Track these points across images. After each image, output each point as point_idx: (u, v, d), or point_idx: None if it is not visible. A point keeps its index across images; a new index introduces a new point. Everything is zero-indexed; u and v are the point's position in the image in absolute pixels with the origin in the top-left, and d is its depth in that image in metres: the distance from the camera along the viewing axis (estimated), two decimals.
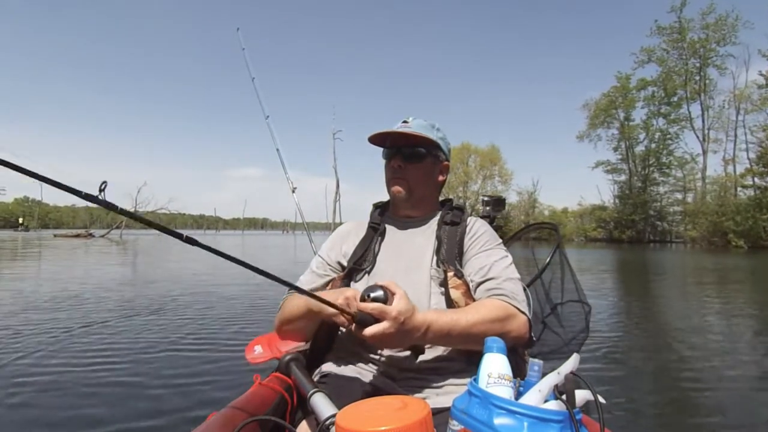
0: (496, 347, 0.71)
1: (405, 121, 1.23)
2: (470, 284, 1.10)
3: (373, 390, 1.02)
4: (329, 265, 1.24)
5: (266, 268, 0.75)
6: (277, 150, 2.62)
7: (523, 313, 1.03)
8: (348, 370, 1.09)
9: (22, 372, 2.90)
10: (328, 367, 1.13)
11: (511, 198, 49.18)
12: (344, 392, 0.98)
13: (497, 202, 1.84)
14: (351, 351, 1.13)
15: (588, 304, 1.49)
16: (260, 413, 0.97)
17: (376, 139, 1.23)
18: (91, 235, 37.47)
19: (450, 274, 1.11)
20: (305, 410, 0.99)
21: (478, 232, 1.20)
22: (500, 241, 1.22)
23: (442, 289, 1.09)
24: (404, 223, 1.25)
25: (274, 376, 1.13)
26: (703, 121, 40.94)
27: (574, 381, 0.63)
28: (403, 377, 1.03)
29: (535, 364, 0.67)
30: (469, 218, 1.25)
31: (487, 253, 1.14)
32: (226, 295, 6.35)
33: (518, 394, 0.67)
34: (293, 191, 2.61)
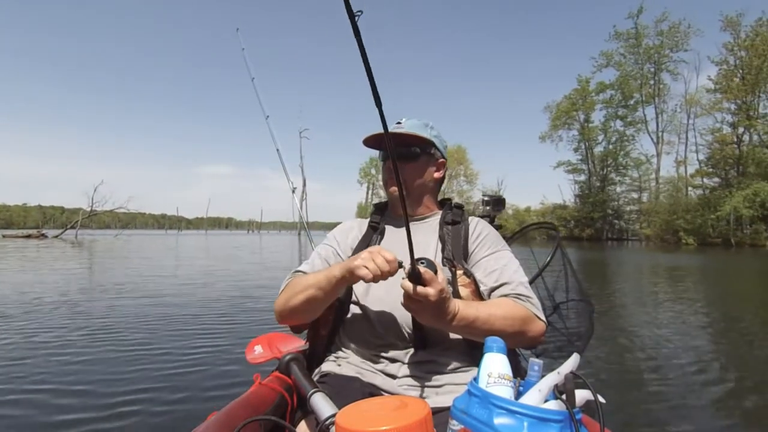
0: (496, 347, 0.71)
1: (399, 122, 1.25)
2: (482, 287, 1.10)
3: (373, 390, 1.02)
4: (338, 255, 1.24)
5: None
6: (277, 150, 2.59)
7: (541, 320, 1.04)
8: (348, 370, 1.09)
9: (22, 372, 2.89)
10: (328, 366, 1.13)
11: (476, 197, 50.02)
12: (344, 392, 0.98)
13: (497, 202, 1.81)
14: (351, 351, 1.13)
15: (591, 302, 1.50)
16: (260, 413, 0.96)
17: (371, 142, 1.24)
18: (44, 236, 35.51)
19: (459, 272, 1.11)
20: (305, 410, 0.99)
21: (482, 233, 1.21)
22: (505, 242, 1.23)
23: (450, 288, 1.07)
24: (403, 221, 1.26)
25: (275, 376, 1.13)
26: (657, 124, 42.90)
27: (574, 381, 0.63)
28: (403, 377, 1.03)
29: (535, 363, 0.67)
30: (470, 218, 1.26)
31: (495, 257, 1.15)
32: (226, 295, 6.37)
33: (518, 394, 0.67)
34: (293, 191, 2.59)
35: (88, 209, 40.33)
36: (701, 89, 40.33)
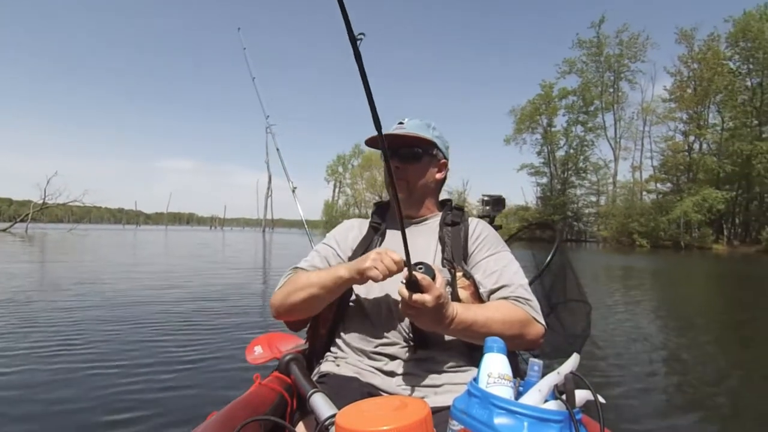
0: (496, 347, 0.71)
1: (401, 123, 1.25)
2: (481, 289, 1.10)
3: (372, 390, 1.02)
4: (338, 255, 1.23)
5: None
6: (277, 150, 2.58)
7: (540, 323, 1.05)
8: (347, 370, 1.07)
9: (20, 371, 2.85)
10: (327, 366, 1.12)
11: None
12: (343, 392, 0.98)
13: (497, 202, 1.78)
14: (350, 350, 1.12)
15: (589, 303, 1.49)
16: (260, 413, 0.96)
17: (373, 142, 1.21)
18: None
19: (459, 274, 1.11)
20: (305, 410, 0.98)
21: (482, 234, 1.21)
22: (505, 244, 1.23)
23: (450, 289, 1.07)
24: (405, 224, 1.22)
25: (275, 376, 1.12)
26: (615, 131, 44.56)
27: (573, 381, 0.64)
28: (402, 377, 1.03)
29: (535, 364, 0.67)
30: (470, 219, 1.26)
31: (495, 258, 1.15)
32: (226, 295, 6.30)
33: (518, 394, 0.67)
34: (293, 191, 2.57)
35: (40, 202, 38.28)
36: (657, 98, 42.55)
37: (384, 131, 1.19)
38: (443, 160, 1.29)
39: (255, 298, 6.15)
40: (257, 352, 1.25)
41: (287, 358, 1.12)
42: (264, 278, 9.01)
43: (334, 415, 0.81)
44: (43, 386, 2.60)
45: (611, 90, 44.42)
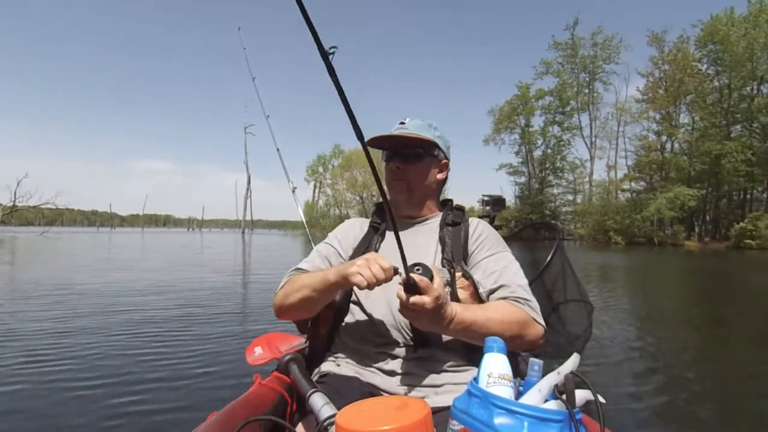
0: (496, 347, 0.71)
1: (402, 122, 1.24)
2: (480, 289, 1.10)
3: (372, 389, 1.02)
4: (339, 255, 1.23)
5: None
6: (278, 150, 2.55)
7: (540, 323, 1.05)
8: (347, 370, 1.07)
9: (20, 371, 2.87)
10: (327, 366, 1.11)
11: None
12: (343, 392, 0.98)
13: (497, 202, 1.80)
14: (350, 350, 1.12)
15: (590, 303, 1.49)
16: (260, 413, 0.96)
17: (374, 143, 1.21)
18: None
19: (458, 274, 1.10)
20: (305, 410, 0.98)
21: (482, 234, 1.20)
22: (506, 244, 1.23)
23: (449, 289, 1.07)
24: (405, 224, 1.24)
25: (275, 376, 1.12)
26: (591, 130, 45.28)
27: (574, 381, 0.64)
28: (402, 376, 1.03)
29: (535, 363, 0.67)
30: (470, 219, 1.25)
31: (495, 258, 1.15)
32: (226, 295, 6.30)
33: (518, 394, 0.68)
34: (293, 191, 2.56)
35: (10, 204, 37.09)
36: (630, 99, 43.45)
37: (385, 132, 1.23)
38: (444, 161, 1.29)
39: (255, 298, 6.15)
40: (257, 353, 1.25)
41: (287, 358, 1.12)
42: (263, 278, 8.97)
43: (334, 415, 0.81)
44: (42, 383, 2.63)
45: (586, 91, 45.19)
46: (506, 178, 50.72)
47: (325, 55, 0.65)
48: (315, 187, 62.66)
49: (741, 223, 29.84)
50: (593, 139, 45.16)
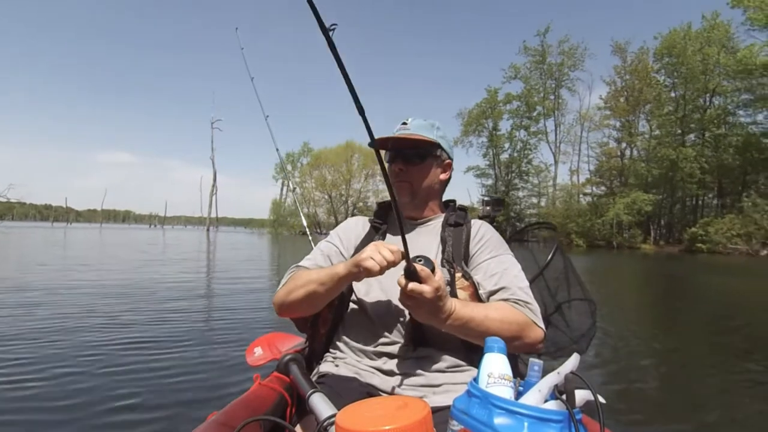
0: (496, 347, 0.71)
1: (404, 123, 1.24)
2: (480, 290, 1.10)
3: (371, 390, 1.01)
4: (341, 253, 1.22)
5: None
6: (277, 150, 2.54)
7: (540, 326, 1.05)
8: (346, 370, 1.07)
9: (19, 371, 2.83)
10: (327, 367, 1.10)
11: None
12: (343, 392, 0.97)
13: (497, 202, 1.79)
14: (349, 350, 1.11)
15: (593, 301, 1.49)
16: (260, 413, 0.95)
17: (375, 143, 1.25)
18: None
19: (458, 275, 1.10)
20: (305, 410, 0.97)
21: (484, 236, 1.20)
22: (507, 246, 1.23)
23: (449, 288, 1.06)
24: (408, 225, 1.23)
25: (275, 376, 1.11)
26: (555, 135, 46.68)
27: (574, 381, 0.64)
28: (402, 376, 1.02)
29: (535, 364, 0.68)
30: (473, 221, 1.25)
31: (496, 260, 1.15)
32: (226, 295, 6.28)
33: (518, 394, 0.68)
34: (293, 190, 2.56)
35: None
36: (594, 106, 45.06)
37: (385, 133, 1.22)
38: (447, 161, 1.28)
39: (255, 299, 6.07)
40: (257, 353, 1.23)
41: (286, 358, 1.12)
42: (262, 278, 8.87)
43: (333, 415, 0.81)
44: (42, 383, 2.61)
45: (552, 96, 46.53)
46: (473, 180, 51.47)
47: (325, 31, 0.66)
48: (283, 185, 61.89)
49: (693, 228, 31.32)
50: (558, 144, 46.56)
